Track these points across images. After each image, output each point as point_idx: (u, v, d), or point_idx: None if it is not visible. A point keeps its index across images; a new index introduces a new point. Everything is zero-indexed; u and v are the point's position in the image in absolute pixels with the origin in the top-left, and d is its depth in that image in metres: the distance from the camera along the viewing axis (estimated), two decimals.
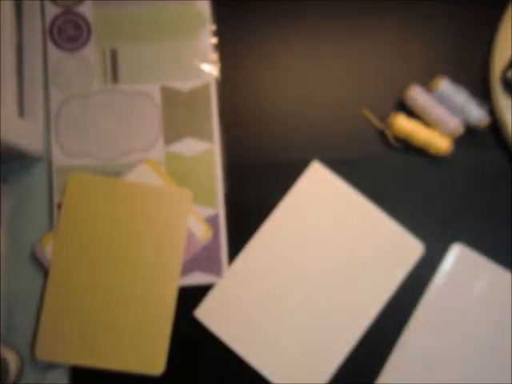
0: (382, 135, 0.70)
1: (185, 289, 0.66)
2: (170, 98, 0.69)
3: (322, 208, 0.67)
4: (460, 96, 0.68)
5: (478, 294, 0.66)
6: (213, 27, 0.71)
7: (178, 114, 0.69)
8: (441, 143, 0.67)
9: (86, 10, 0.70)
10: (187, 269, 0.67)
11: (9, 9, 0.67)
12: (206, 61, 0.70)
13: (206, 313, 0.66)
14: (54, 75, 0.70)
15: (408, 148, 0.69)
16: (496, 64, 0.69)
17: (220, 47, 0.71)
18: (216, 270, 0.67)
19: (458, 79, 0.70)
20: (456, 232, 0.68)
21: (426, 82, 0.70)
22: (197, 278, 0.67)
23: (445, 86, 0.68)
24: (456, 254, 0.67)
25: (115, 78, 0.70)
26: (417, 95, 0.68)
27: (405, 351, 0.65)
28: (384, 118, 0.70)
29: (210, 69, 0.70)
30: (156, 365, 0.65)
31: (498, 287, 0.66)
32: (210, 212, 0.68)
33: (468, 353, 0.65)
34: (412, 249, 0.67)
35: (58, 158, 0.68)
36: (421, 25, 0.72)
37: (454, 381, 0.65)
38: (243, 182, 0.69)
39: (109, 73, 0.70)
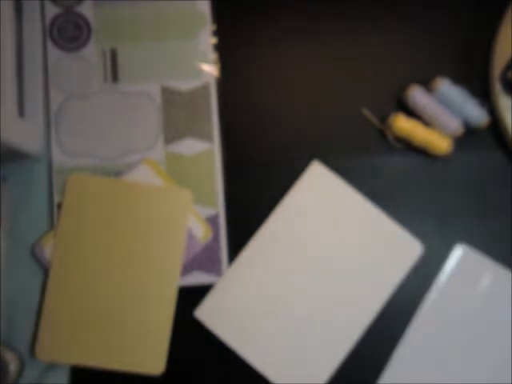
0: (382, 135, 0.70)
1: (185, 289, 0.66)
2: (170, 98, 0.69)
3: (322, 208, 0.67)
4: (460, 96, 0.68)
5: (481, 294, 0.66)
6: (213, 27, 0.71)
7: (177, 114, 0.69)
8: (441, 143, 0.67)
9: (86, 10, 0.70)
10: (187, 269, 0.67)
11: (9, 9, 0.67)
12: (206, 61, 0.70)
13: (206, 313, 0.66)
14: (54, 75, 0.70)
15: (408, 148, 0.69)
16: (496, 64, 0.69)
17: (220, 47, 0.71)
18: (216, 269, 0.67)
19: (458, 79, 0.70)
20: (456, 232, 0.68)
21: (426, 82, 0.70)
22: (197, 278, 0.67)
23: (445, 86, 0.68)
24: (459, 255, 0.67)
25: (115, 77, 0.70)
26: (417, 95, 0.68)
27: (407, 351, 0.65)
28: (384, 118, 0.70)
29: (210, 69, 0.70)
30: (156, 365, 0.65)
31: (500, 287, 0.66)
32: (210, 212, 0.68)
33: (471, 353, 0.65)
34: (411, 249, 0.67)
35: (58, 158, 0.68)
36: (421, 25, 0.72)
37: (457, 381, 0.65)
38: (243, 181, 0.69)
39: (109, 73, 0.70)
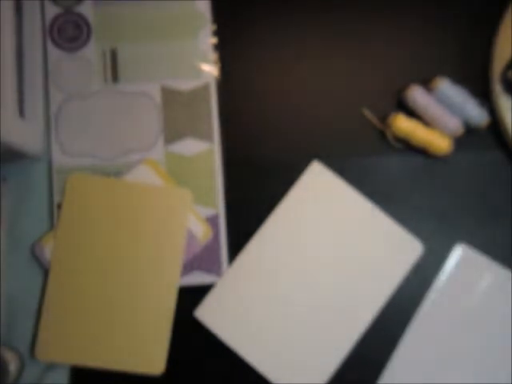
0: (382, 135, 0.70)
1: (185, 289, 0.66)
2: (170, 97, 0.69)
3: (322, 208, 0.67)
4: (460, 96, 0.68)
5: (481, 294, 0.66)
6: (213, 27, 0.71)
7: (178, 113, 0.69)
8: (441, 143, 0.67)
9: (86, 9, 0.70)
10: (187, 269, 0.67)
11: (9, 9, 0.67)
12: (206, 61, 0.70)
13: (206, 313, 0.66)
14: (54, 75, 0.70)
15: (408, 148, 0.69)
16: (496, 64, 0.69)
17: (220, 47, 0.71)
18: (216, 269, 0.67)
19: (458, 79, 0.70)
20: (456, 232, 0.68)
21: (426, 82, 0.70)
22: (197, 278, 0.67)
23: (445, 85, 0.68)
24: (459, 255, 0.67)
25: (115, 77, 0.70)
26: (417, 95, 0.68)
27: (408, 351, 0.65)
28: (384, 118, 0.70)
29: (210, 69, 0.70)
30: (156, 365, 0.65)
31: (500, 287, 0.66)
32: (209, 212, 0.68)
33: (471, 353, 0.65)
34: (411, 248, 0.67)
35: (58, 158, 0.68)
36: (421, 25, 0.72)
37: (457, 381, 0.65)
38: (243, 181, 0.69)
39: (109, 73, 0.70)
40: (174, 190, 0.67)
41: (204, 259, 0.67)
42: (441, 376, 0.65)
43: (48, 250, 0.66)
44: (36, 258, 0.66)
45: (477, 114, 0.68)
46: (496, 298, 0.66)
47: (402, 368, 0.65)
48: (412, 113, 0.69)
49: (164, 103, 0.69)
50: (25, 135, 0.64)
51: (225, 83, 0.70)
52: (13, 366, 0.64)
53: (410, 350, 0.65)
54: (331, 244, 0.67)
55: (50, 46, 0.70)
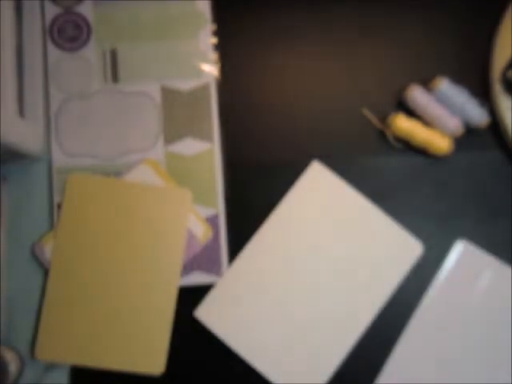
0: (382, 135, 0.70)
1: (185, 289, 0.66)
2: (170, 97, 0.69)
3: (322, 208, 0.67)
4: (460, 96, 0.68)
5: (481, 290, 0.66)
6: (213, 27, 0.71)
7: (178, 113, 0.69)
8: (441, 143, 0.67)
9: (86, 9, 0.70)
10: (187, 269, 0.67)
11: (9, 9, 0.67)
12: (206, 61, 0.70)
13: (206, 313, 0.66)
14: (54, 75, 0.70)
15: (408, 148, 0.69)
16: (496, 64, 0.69)
17: (220, 47, 0.71)
18: (216, 270, 0.67)
19: (457, 79, 0.70)
20: (456, 232, 0.68)
21: (426, 82, 0.70)
22: (197, 278, 0.67)
23: (445, 85, 0.68)
24: (459, 251, 0.67)
25: (115, 77, 0.70)
26: (417, 95, 0.68)
27: (405, 351, 0.65)
28: (384, 118, 0.70)
29: (210, 69, 0.70)
30: (156, 365, 0.65)
31: (501, 284, 0.66)
32: (210, 212, 0.68)
33: (470, 352, 0.65)
34: (411, 248, 0.67)
35: (58, 158, 0.68)
36: (421, 25, 0.72)
37: (456, 380, 0.65)
38: (243, 181, 0.69)
39: (109, 73, 0.70)
40: (174, 190, 0.67)
41: (204, 259, 0.67)
42: (440, 376, 0.65)
43: (48, 249, 0.66)
44: (36, 257, 0.67)
45: (477, 113, 0.68)
46: (496, 294, 0.66)
47: (401, 367, 0.65)
48: (412, 113, 0.69)
49: (164, 103, 0.69)
50: (25, 135, 0.64)
51: (225, 83, 0.70)
52: (13, 366, 0.64)
53: (409, 349, 0.65)
54: (331, 244, 0.67)
55: (50, 46, 0.70)
